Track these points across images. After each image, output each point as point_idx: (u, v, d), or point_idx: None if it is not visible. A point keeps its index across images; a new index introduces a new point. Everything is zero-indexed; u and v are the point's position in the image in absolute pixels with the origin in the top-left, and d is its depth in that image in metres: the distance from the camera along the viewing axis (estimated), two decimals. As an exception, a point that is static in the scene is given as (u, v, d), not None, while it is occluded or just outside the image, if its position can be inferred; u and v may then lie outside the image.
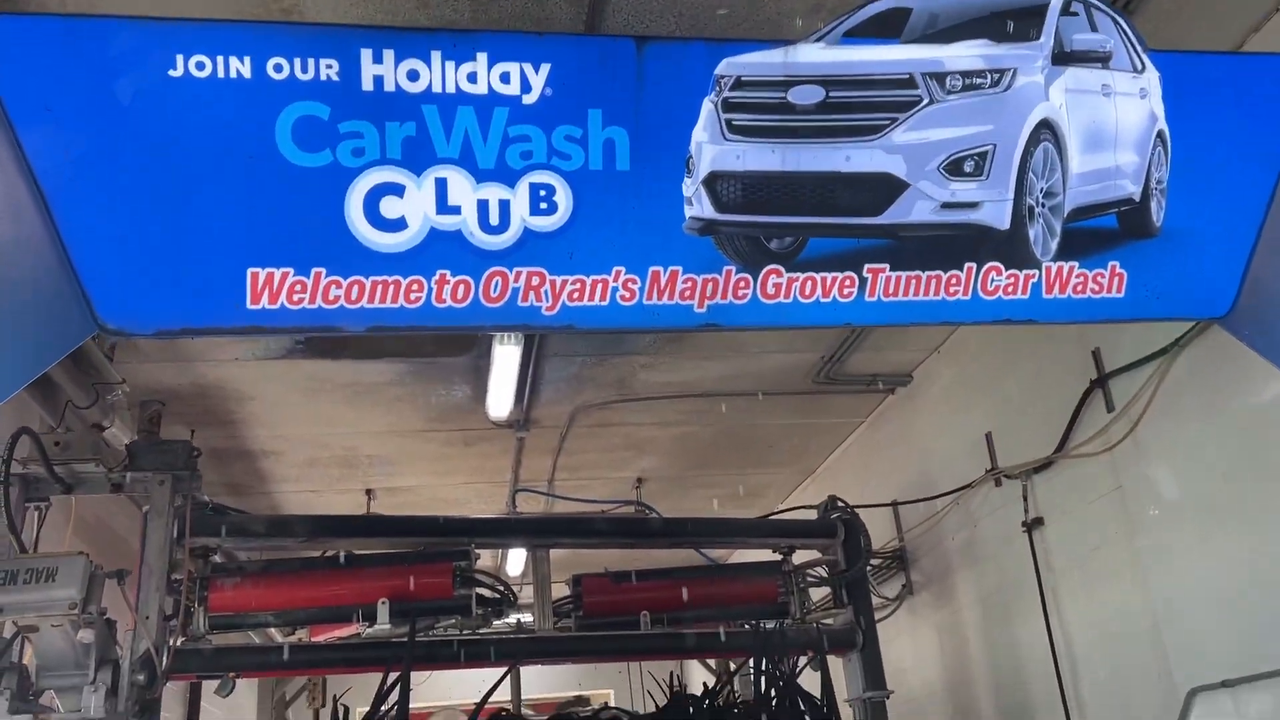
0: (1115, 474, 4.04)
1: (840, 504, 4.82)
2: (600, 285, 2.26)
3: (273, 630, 4.47)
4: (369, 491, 6.05)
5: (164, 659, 3.65)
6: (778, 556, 4.88)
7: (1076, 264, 2.45)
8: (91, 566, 2.91)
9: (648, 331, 2.78)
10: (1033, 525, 4.47)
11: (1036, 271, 2.44)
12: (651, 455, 6.06)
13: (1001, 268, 2.41)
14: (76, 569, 2.86)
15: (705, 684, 4.47)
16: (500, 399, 5.16)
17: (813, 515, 4.90)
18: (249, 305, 2.13)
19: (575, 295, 2.25)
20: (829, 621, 4.67)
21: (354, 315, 2.17)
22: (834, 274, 2.34)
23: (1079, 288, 2.44)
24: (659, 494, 6.11)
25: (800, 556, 4.89)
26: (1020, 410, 4.57)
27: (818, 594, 4.94)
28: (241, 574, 4.19)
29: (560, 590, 4.69)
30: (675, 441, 5.91)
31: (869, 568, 4.82)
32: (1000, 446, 4.73)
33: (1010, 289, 2.42)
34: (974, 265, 2.40)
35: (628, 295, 2.27)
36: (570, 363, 5.06)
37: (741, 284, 2.31)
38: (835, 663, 4.58)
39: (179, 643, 3.99)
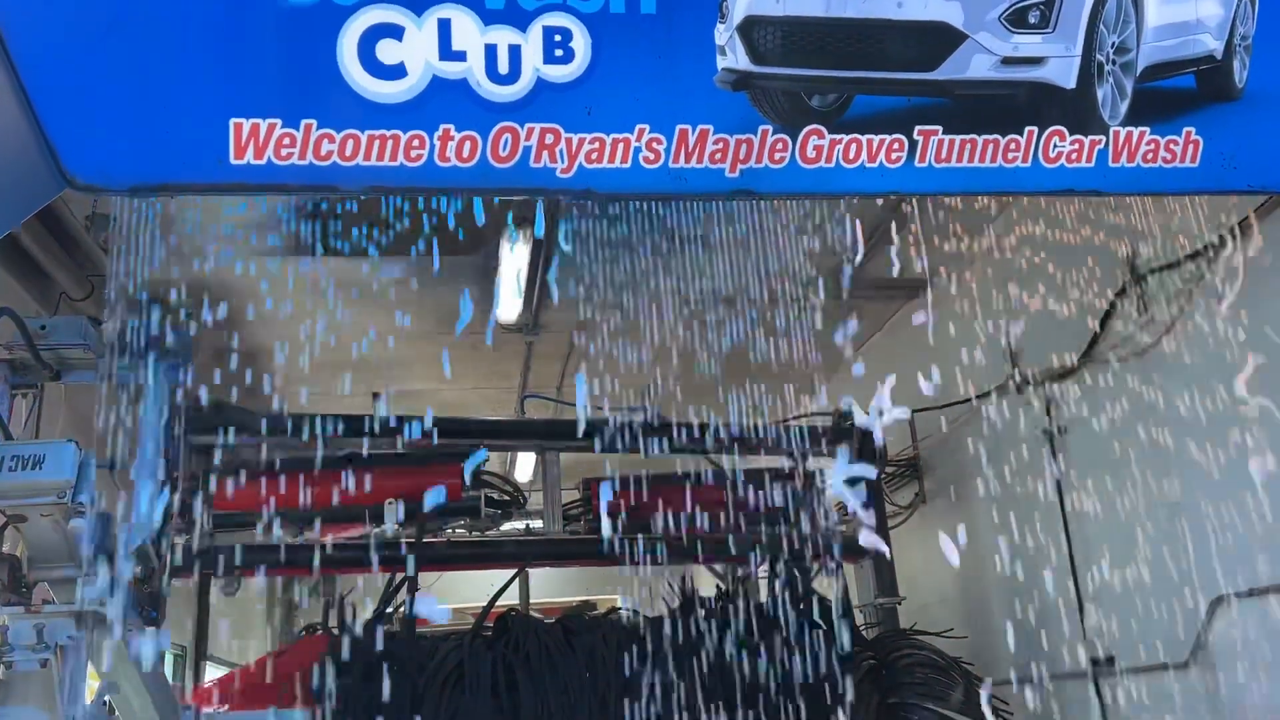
0: (1144, 381, 3.80)
1: (855, 409, 4.61)
2: (621, 145, 1.98)
3: (280, 530, 4.30)
4: (376, 395, 5.82)
5: (164, 555, 3.48)
6: (791, 463, 4.70)
7: (1148, 129, 2.17)
8: (81, 454, 2.68)
9: (673, 198, 2.51)
10: (1054, 433, 4.25)
11: (1104, 137, 2.15)
12: (662, 361, 5.82)
13: (1065, 132, 2.13)
14: (65, 456, 2.64)
15: (719, 585, 4.29)
16: (509, 302, 4.92)
17: (827, 422, 4.70)
18: (232, 160, 1.86)
19: (594, 156, 1.97)
20: (842, 529, 4.49)
21: (349, 174, 1.91)
22: (881, 136, 2.05)
23: (1149, 156, 2.16)
24: (670, 401, 5.88)
25: (813, 464, 4.72)
26: (1046, 316, 4.30)
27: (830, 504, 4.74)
28: (247, 472, 4.01)
29: (570, 496, 4.52)
30: (687, 347, 5.66)
31: (883, 475, 4.62)
32: (1023, 353, 4.49)
33: (1074, 156, 2.14)
34: (1035, 129, 2.12)
35: (652, 157, 1.99)
36: (580, 264, 4.80)
37: (779, 146, 2.03)
38: (848, 570, 4.42)
39: (183, 540, 3.84)
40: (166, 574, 3.49)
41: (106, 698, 2.97)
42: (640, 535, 4.25)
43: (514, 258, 4.68)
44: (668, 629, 3.74)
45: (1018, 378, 4.45)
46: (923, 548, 5.11)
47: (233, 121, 1.86)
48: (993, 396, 4.60)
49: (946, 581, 4.90)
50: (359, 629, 3.79)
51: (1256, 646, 3.35)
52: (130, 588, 2.73)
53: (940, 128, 2.07)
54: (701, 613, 3.85)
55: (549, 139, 1.96)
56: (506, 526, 4.50)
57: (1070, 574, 4.11)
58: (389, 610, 3.91)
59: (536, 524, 4.60)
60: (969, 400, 4.71)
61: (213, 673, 4.80)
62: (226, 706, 3.71)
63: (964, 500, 4.77)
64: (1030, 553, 4.33)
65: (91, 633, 2.75)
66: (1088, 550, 4.10)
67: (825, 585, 4.35)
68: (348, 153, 1.89)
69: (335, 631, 3.79)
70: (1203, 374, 3.54)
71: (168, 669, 6.04)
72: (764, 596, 4.30)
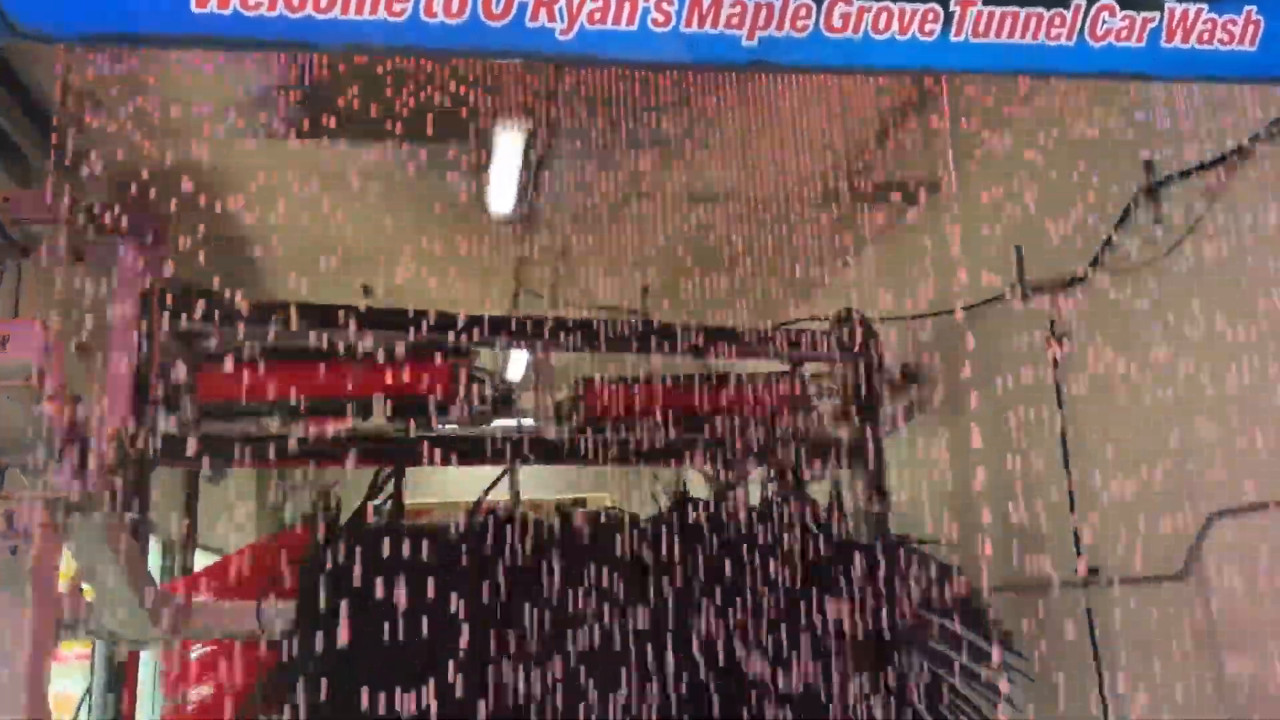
0: (1154, 293, 3.64)
1: (855, 316, 4.46)
2: (629, 4, 1.76)
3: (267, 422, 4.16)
4: (366, 288, 5.65)
5: (146, 443, 3.34)
6: (786, 368, 4.57)
7: (1205, 6, 1.95)
8: (49, 335, 2.50)
9: (684, 68, 2.29)
10: (1057, 344, 4.10)
11: (1158, 14, 1.94)
12: (658, 262, 5.65)
13: (1116, 7, 1.91)
14: (31, 336, 2.46)
15: (710, 489, 4.18)
16: (502, 193, 4.71)
17: (825, 328, 4.55)
18: (194, 8, 1.64)
19: (597, 16, 1.75)
20: (837, 435, 4.37)
21: (325, 29, 1.68)
22: (915, 5, 1.84)
23: (1205, 36, 1.95)
24: (665, 303, 5.73)
25: (809, 370, 4.59)
26: (1055, 223, 4.11)
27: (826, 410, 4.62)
28: (232, 361, 3.85)
29: (562, 397, 4.39)
30: (684, 248, 5.48)
31: (879, 382, 4.48)
32: (1030, 262, 4.31)
33: (1124, 34, 1.92)
34: (1082, 3, 1.91)
35: (662, 19, 1.77)
36: (576, 156, 4.58)
37: (802, 12, 1.81)
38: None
39: (164, 428, 3.71)
40: (146, 461, 3.37)
41: (83, 585, 2.85)
42: (632, 436, 4.15)
43: (507, 146, 4.45)
44: (661, 527, 3.65)
45: (1021, 285, 4.28)
46: (918, 456, 5.00)
47: (194, -38, 1.64)
48: (995, 304, 4.44)
49: (940, 493, 4.81)
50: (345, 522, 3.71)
51: (1248, 563, 3.26)
52: (105, 474, 2.58)
53: None
54: (694, 513, 3.74)
55: (548, -7, 1.73)
56: (497, 423, 4.37)
57: (1065, 485, 4.00)
58: (376, 503, 3.81)
59: (528, 421, 4.47)
60: (973, 306, 4.56)
61: (203, 561, 4.72)
62: (210, 596, 3.62)
63: (960, 409, 4.65)
64: (1025, 463, 4.23)
65: (63, 519, 2.60)
66: (1084, 462, 3.99)
67: (818, 491, 4.26)
68: (322, 4, 1.67)
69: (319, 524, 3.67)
70: (1214, 288, 3.39)
71: (156, 557, 5.98)
72: (756, 500, 4.21)
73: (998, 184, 4.48)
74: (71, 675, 4.61)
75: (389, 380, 3.99)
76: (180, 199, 3.97)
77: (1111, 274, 3.84)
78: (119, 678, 3.56)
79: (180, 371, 3.65)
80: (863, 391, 4.33)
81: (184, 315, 3.40)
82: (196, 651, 3.66)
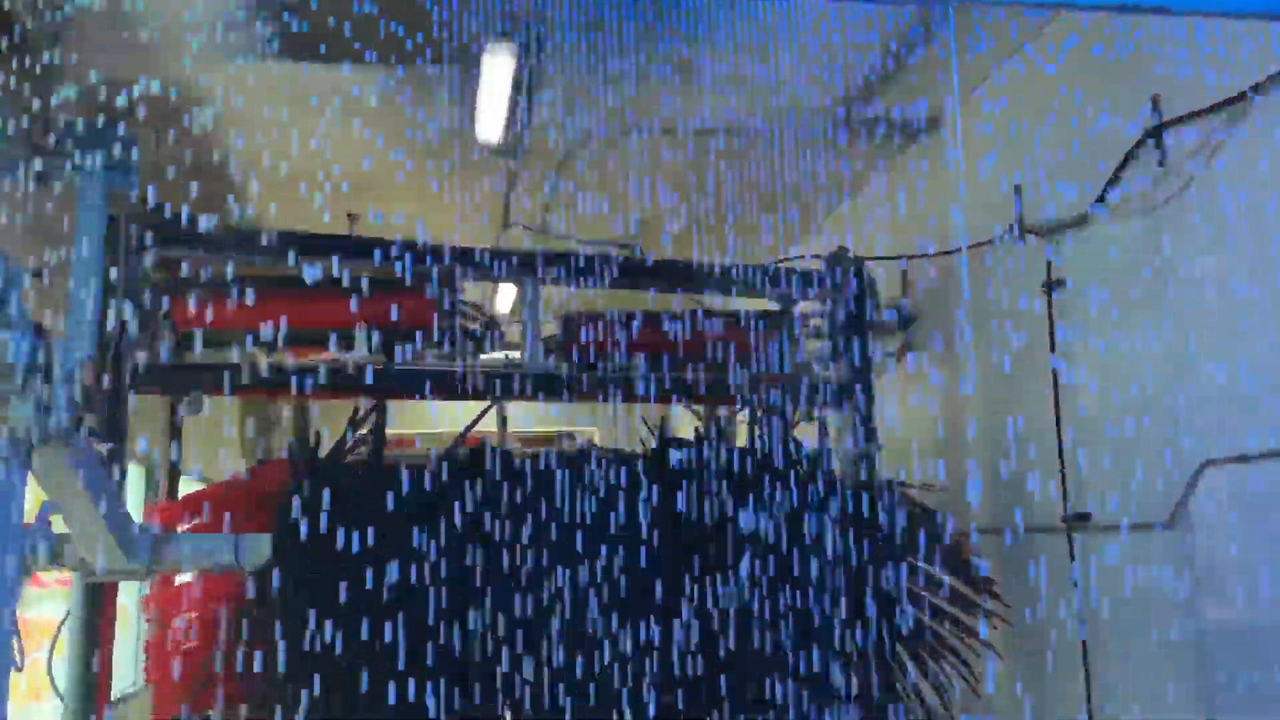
0: (1155, 236, 3.54)
1: (849, 255, 4.35)
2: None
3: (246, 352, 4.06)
4: (351, 216, 5.50)
5: (117, 372, 3.24)
6: (777, 307, 4.48)
7: (1233, -67, 1.83)
8: (8, 262, 2.38)
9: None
10: (1053, 286, 4.01)
11: (1182, -61, 1.82)
12: (650, 197, 5.51)
13: (1139, -70, 1.79)
14: (-13, 263, 2.34)
15: (696, 429, 4.12)
16: (490, 120, 4.55)
17: (817, 267, 4.45)
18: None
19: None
20: (826, 375, 4.29)
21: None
22: (925, -79, 1.70)
23: (1231, -35, 1.83)
24: (655, 238, 5.60)
25: (800, 310, 4.50)
26: (1056, 163, 4.00)
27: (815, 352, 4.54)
28: (210, 289, 3.74)
29: (550, 332, 4.29)
30: (676, 183, 5.35)
31: (870, 323, 4.39)
32: (1029, 203, 4.19)
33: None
34: (1104, -76, 1.78)
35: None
36: (569, 82, 4.42)
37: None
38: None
39: (141, 357, 3.61)
40: (119, 390, 3.28)
41: (51, 518, 2.77)
42: (620, 372, 4.07)
43: (495, 73, 4.28)
44: (646, 465, 3.58)
45: (1019, 226, 4.17)
46: (907, 399, 4.94)
47: None
48: (992, 244, 4.34)
49: (928, 436, 4.76)
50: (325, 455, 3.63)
51: (1237, 513, 3.22)
52: (72, 405, 2.47)
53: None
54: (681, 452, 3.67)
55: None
56: (483, 357, 4.27)
57: (1055, 430, 3.94)
58: (357, 436, 3.73)
59: (515, 356, 4.38)
60: (968, 248, 4.46)
61: (188, 490, 4.64)
62: (188, 528, 3.54)
63: (952, 351, 4.58)
64: (1015, 407, 4.17)
65: (28, 451, 2.50)
66: (1075, 407, 3.92)
67: (806, 432, 4.20)
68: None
69: (300, 457, 3.59)
70: (1218, 234, 3.29)
71: (138, 485, 5.92)
72: (743, 441, 4.15)
73: (999, 122, 4.35)
74: (52, 600, 4.56)
75: (372, 312, 3.88)
76: (154, 122, 3.82)
77: (1112, 217, 3.74)
78: (98, 605, 3.50)
79: (154, 300, 3.53)
80: (854, 332, 4.24)
81: (157, 241, 3.28)
82: (180, 578, 3.60)
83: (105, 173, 2.61)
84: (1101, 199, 3.74)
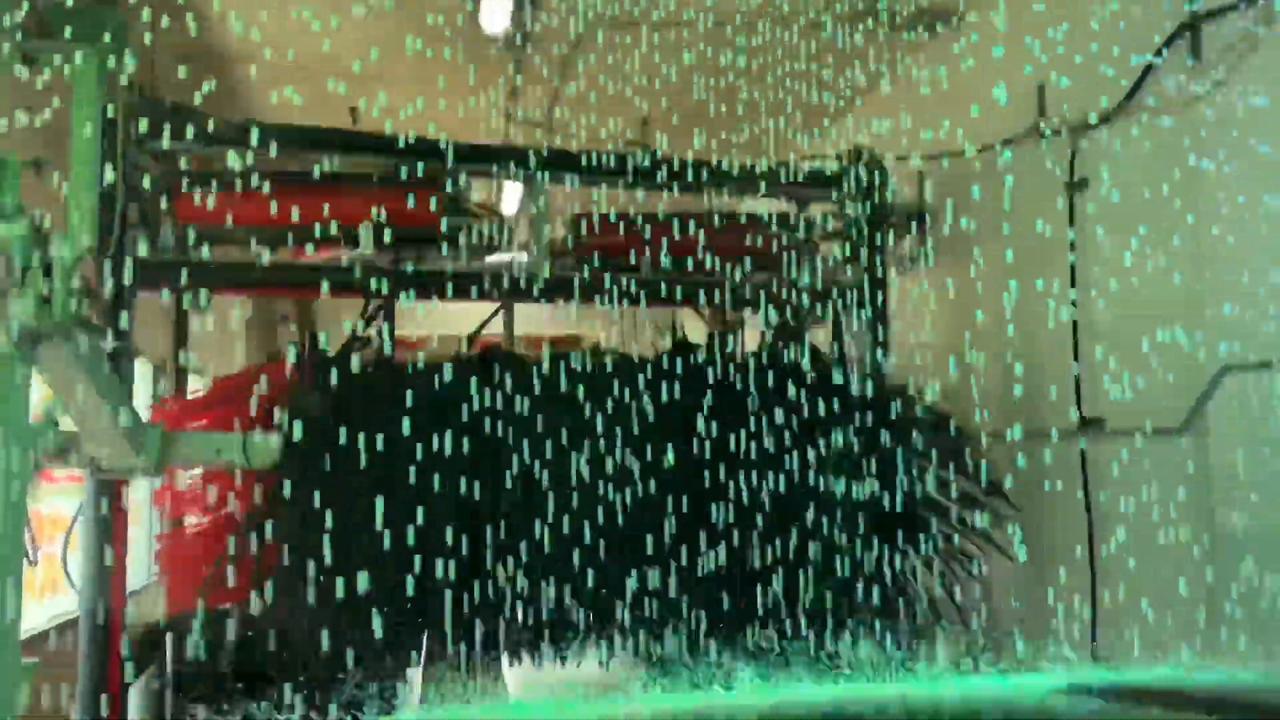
0: (1185, 135, 3.41)
1: (865, 154, 4.22)
2: None
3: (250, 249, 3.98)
4: (353, 110, 5.33)
5: (118, 267, 3.17)
6: (792, 208, 4.36)
7: None
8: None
9: None
10: (1076, 187, 3.89)
11: None
12: (661, 93, 5.33)
13: None
14: (-22, 154, 2.24)
15: (709, 332, 4.05)
16: (495, 10, 4.36)
17: (834, 167, 4.31)
18: None
19: None
20: (840, 279, 4.20)
21: None
22: None
23: None
24: (667, 136, 5.43)
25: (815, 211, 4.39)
26: (1083, 59, 3.83)
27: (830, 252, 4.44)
28: (213, 184, 3.63)
29: (558, 234, 4.19)
30: (688, 78, 5.16)
31: (887, 224, 4.27)
32: (1053, 101, 4.04)
33: None
34: None
35: None
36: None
37: None
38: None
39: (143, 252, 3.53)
40: (121, 286, 3.21)
41: (56, 415, 2.73)
42: (630, 275, 3.98)
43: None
44: (657, 370, 3.52)
45: (1043, 125, 4.03)
46: (922, 303, 4.85)
47: None
48: (1013, 143, 4.19)
49: (942, 340, 4.68)
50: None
51: (1255, 420, 3.17)
52: (73, 299, 2.40)
53: None
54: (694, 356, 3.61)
55: None
56: (490, 259, 4.18)
57: (1071, 334, 3.86)
58: (364, 337, 3.67)
59: (522, 257, 4.28)
60: (988, 147, 4.32)
61: (196, 385, 4.61)
62: (197, 425, 3.52)
63: (969, 253, 4.47)
64: (1033, 310, 4.09)
65: (32, 347, 2.44)
66: (1094, 311, 3.84)
67: (819, 337, 4.13)
68: None
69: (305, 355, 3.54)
70: (1250, 134, 3.16)
71: (146, 383, 5.89)
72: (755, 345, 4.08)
73: (1023, 15, 4.17)
74: (66, 495, 4.57)
75: (377, 209, 3.78)
76: (153, 6, 3.66)
77: (1141, 115, 3.60)
78: (109, 501, 3.49)
79: (156, 193, 3.44)
80: (869, 234, 4.13)
81: (157, 132, 3.17)
82: (192, 475, 3.59)
83: (98, 56, 2.48)
84: (1131, 96, 3.59)
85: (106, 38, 2.53)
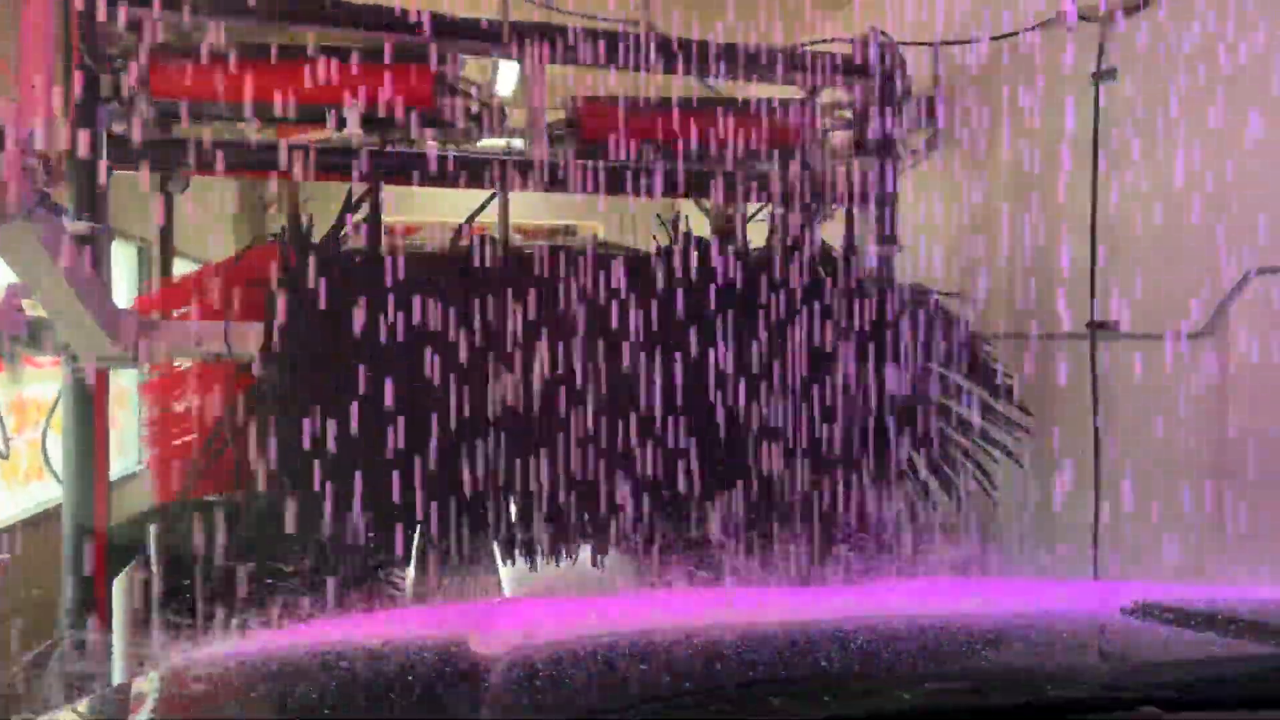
0: (1222, 22, 3.16)
1: (879, 38, 3.95)
2: None
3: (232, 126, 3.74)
4: (342, -18, 4.98)
5: (89, 143, 2.95)
6: (802, 94, 4.11)
7: None
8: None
9: None
10: (1103, 77, 3.65)
11: None
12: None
13: None
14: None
15: (711, 224, 3.85)
16: None
17: (846, 51, 4.05)
18: None
19: None
20: (850, 169, 3.99)
21: None
22: None
23: None
24: (673, 14, 5.11)
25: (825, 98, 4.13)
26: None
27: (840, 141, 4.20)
28: (189, 56, 3.38)
29: (555, 118, 3.95)
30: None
31: (899, 113, 4.03)
32: (1080, -15, 3.76)
33: None
34: None
35: None
36: None
37: None
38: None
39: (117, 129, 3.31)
40: (92, 163, 2.99)
41: (23, 300, 2.56)
42: (629, 163, 3.76)
43: None
44: (663, 264, 3.34)
45: (1070, 12, 3.76)
46: (933, 196, 4.64)
47: None
48: (1036, 31, 3.93)
49: (953, 235, 4.49)
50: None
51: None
52: (27, 177, 2.21)
53: None
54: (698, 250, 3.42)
55: None
56: (484, 143, 3.96)
57: (1090, 233, 3.67)
58: (351, 222, 3.47)
59: (517, 143, 4.05)
60: (1006, 35, 4.05)
61: (183, 269, 4.43)
62: (177, 313, 3.34)
63: (984, 146, 4.25)
64: (1049, 208, 3.89)
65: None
66: (1114, 210, 3.64)
67: (829, 231, 3.94)
68: None
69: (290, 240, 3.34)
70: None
71: (131, 266, 5.69)
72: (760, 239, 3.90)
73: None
74: (53, 380, 4.43)
75: (365, 88, 3.54)
76: None
77: (1173, 3, 3.34)
78: (87, 389, 3.33)
79: (126, 64, 3.19)
80: (882, 124, 3.90)
81: (124, -3, 2.91)
82: (179, 362, 3.44)
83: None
84: (1168, -21, 3.33)
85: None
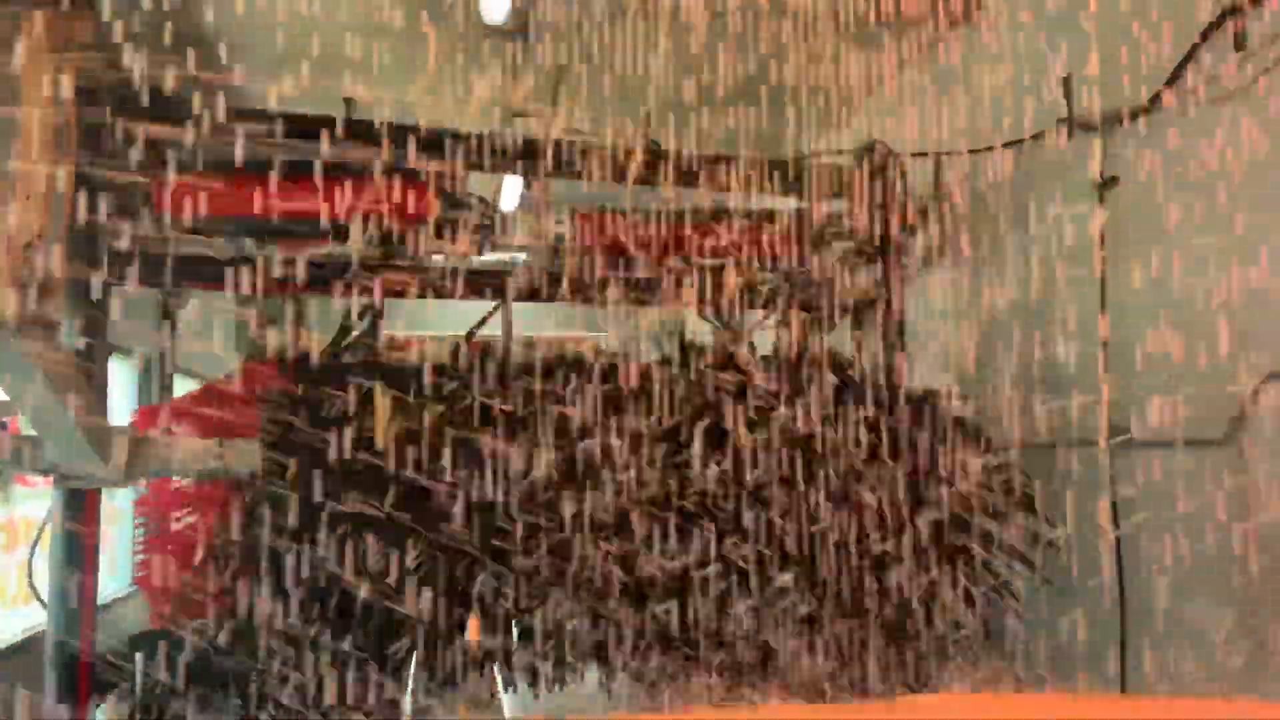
0: (1227, 130, 3.14)
1: (880, 149, 3.95)
2: None
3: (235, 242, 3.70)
4: (348, 101, 5.04)
5: (89, 256, 2.89)
6: (803, 205, 4.09)
7: None
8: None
9: None
10: (1105, 185, 3.62)
11: None
12: (664, 88, 5.05)
13: None
14: (-82, 122, 1.97)
15: (714, 334, 3.77)
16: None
17: (847, 162, 4.04)
18: None
19: None
20: (854, 279, 3.94)
21: None
22: None
23: None
24: (671, 132, 5.15)
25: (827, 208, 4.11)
26: (1114, 49, 3.57)
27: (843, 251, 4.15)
28: (195, 171, 3.36)
29: (558, 230, 3.91)
30: (693, 71, 4.88)
31: (904, 224, 4.00)
32: (1080, 94, 3.77)
33: None
34: None
35: None
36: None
37: None
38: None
39: (118, 245, 3.26)
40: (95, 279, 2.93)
41: (5, 418, 2.45)
42: (631, 274, 3.72)
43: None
44: (665, 374, 3.24)
45: (1070, 120, 3.76)
46: (934, 303, 4.59)
47: None
48: (1039, 140, 3.92)
49: (959, 340, 4.41)
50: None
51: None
52: (18, 291, 2.13)
53: None
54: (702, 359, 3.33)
55: None
56: (487, 256, 3.92)
57: (1099, 340, 3.59)
58: (352, 336, 3.39)
59: (520, 255, 4.02)
60: (1010, 143, 4.05)
61: (184, 387, 4.34)
62: (171, 430, 3.23)
63: (987, 253, 4.20)
64: (1057, 315, 3.82)
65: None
66: (1124, 316, 3.57)
67: (835, 339, 3.86)
68: None
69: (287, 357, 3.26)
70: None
71: (129, 381, 5.61)
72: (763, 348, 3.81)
73: (1051, 4, 3.90)
74: (40, 499, 4.30)
75: (369, 202, 3.52)
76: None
77: (1177, 108, 3.33)
78: (78, 508, 3.19)
79: (133, 178, 3.16)
80: (884, 233, 3.86)
81: (130, 112, 2.89)
82: (175, 479, 3.31)
83: (56, 20, 2.20)
84: (1169, 85, 3.33)
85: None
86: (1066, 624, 3.45)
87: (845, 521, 3.16)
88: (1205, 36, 3.20)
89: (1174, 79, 3.32)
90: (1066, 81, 3.79)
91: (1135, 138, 3.51)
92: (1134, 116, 3.49)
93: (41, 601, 3.39)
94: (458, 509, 3.00)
